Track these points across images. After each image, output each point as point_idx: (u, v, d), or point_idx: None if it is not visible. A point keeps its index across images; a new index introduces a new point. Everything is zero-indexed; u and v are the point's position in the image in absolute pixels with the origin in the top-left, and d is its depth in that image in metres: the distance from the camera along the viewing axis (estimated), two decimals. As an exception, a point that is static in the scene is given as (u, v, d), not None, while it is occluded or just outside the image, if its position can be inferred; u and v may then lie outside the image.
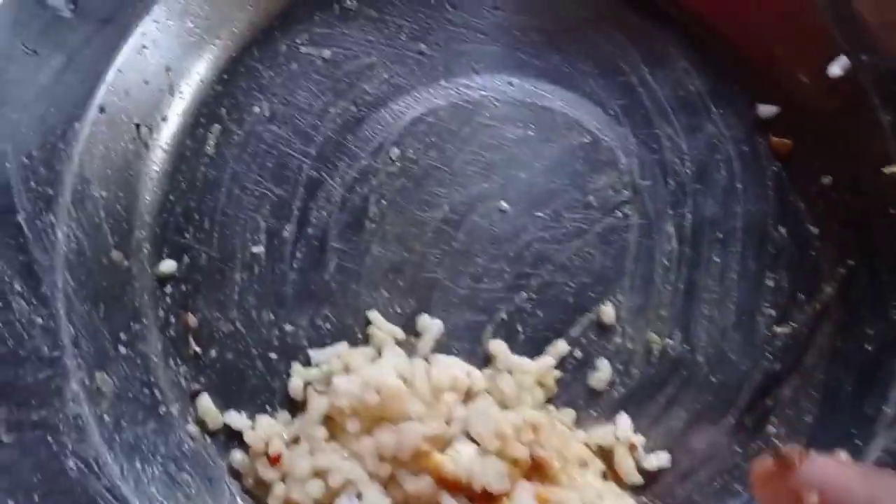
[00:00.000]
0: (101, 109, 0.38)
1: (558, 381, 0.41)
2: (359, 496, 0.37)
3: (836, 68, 0.41)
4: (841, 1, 0.41)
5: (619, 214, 0.42)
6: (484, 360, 0.41)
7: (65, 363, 0.35)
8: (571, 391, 0.41)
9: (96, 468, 0.35)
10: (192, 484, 0.38)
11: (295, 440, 0.38)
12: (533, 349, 0.41)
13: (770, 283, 0.43)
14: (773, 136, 0.44)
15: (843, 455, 0.31)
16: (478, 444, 0.37)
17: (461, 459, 0.36)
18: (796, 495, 0.30)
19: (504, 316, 0.41)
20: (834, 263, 0.42)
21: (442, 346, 0.41)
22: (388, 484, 0.37)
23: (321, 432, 0.38)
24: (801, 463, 0.30)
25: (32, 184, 0.36)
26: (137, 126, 0.39)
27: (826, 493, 0.29)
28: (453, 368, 0.39)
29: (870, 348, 0.41)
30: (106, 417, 0.36)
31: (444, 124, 0.42)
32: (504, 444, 0.36)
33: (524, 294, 0.41)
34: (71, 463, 0.35)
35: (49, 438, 0.35)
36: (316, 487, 0.37)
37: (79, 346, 0.36)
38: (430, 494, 0.36)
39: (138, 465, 0.36)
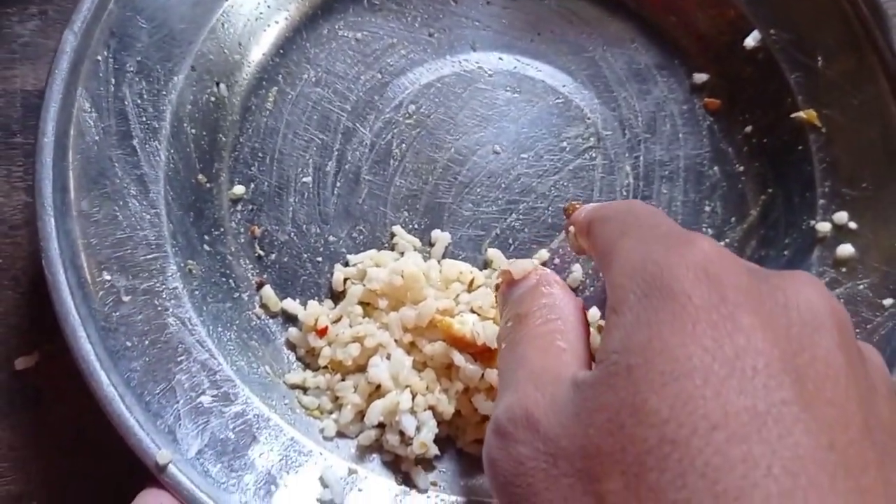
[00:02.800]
0: (193, 68, 0.50)
1: (541, 281, 0.51)
2: (388, 357, 0.47)
3: (751, 41, 0.54)
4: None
5: (587, 157, 0.54)
6: (483, 265, 0.52)
7: (166, 249, 0.46)
8: (552, 289, 0.51)
9: (189, 326, 0.45)
10: (259, 349, 0.48)
11: (337, 320, 0.49)
12: (521, 257, 0.51)
13: (707, 209, 0.54)
14: (706, 97, 0.55)
15: None
16: (479, 315, 0.48)
17: (466, 323, 0.47)
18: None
19: (498, 232, 0.52)
20: (757, 192, 0.54)
21: (450, 254, 0.52)
22: (411, 349, 0.48)
23: (358, 310, 0.48)
24: (575, 209, 0.40)
25: (143, 118, 0.47)
26: (217, 83, 0.51)
27: (584, 214, 0.38)
28: (460, 267, 0.50)
29: (787, 254, 0.52)
30: (196, 292, 0.47)
31: (449, 88, 0.54)
32: (496, 314, 0.47)
33: (514, 216, 0.53)
34: (171, 320, 0.45)
35: (155, 302, 0.45)
36: (355, 349, 0.47)
37: (175, 238, 0.47)
38: (442, 353, 0.47)
39: (220, 329, 0.47)
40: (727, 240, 0.52)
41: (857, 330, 0.48)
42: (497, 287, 0.43)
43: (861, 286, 0.48)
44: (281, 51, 0.53)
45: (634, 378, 0.27)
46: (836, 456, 0.25)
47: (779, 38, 0.52)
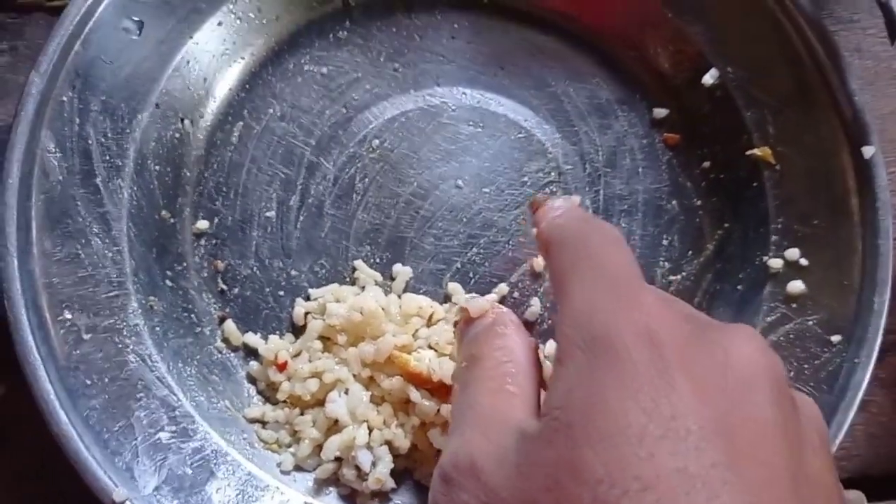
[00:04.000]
0: (157, 106, 0.50)
1: (501, 315, 0.52)
2: (346, 392, 0.49)
3: (709, 78, 0.55)
4: (710, 26, 0.55)
5: (548, 191, 0.55)
6: (443, 299, 0.53)
7: (127, 286, 0.47)
8: (511, 323, 0.52)
9: (149, 363, 0.46)
10: (220, 383, 0.49)
11: (297, 354, 0.50)
12: (482, 291, 0.52)
13: (665, 243, 0.55)
14: (666, 133, 0.56)
15: (575, 198, 0.39)
16: (436, 351, 0.49)
17: (423, 360, 0.48)
18: None
19: (459, 266, 0.53)
20: (714, 227, 0.55)
21: (411, 288, 0.53)
22: (369, 384, 0.49)
23: (318, 345, 0.49)
24: (539, 206, 0.38)
25: (107, 157, 0.48)
26: (182, 119, 0.52)
27: (545, 225, 0.37)
28: (420, 302, 0.51)
29: (741, 288, 0.53)
30: (157, 328, 0.48)
31: (412, 123, 0.55)
32: (456, 351, 0.48)
33: (475, 250, 0.54)
34: (132, 357, 0.46)
35: (115, 339, 0.46)
36: (314, 384, 0.48)
37: (137, 275, 0.48)
38: (400, 388, 0.48)
39: (180, 364, 0.48)
40: (684, 273, 0.53)
41: (806, 366, 0.49)
42: (455, 324, 0.44)
43: (810, 322, 0.50)
44: (246, 86, 0.54)
45: (573, 435, 0.28)
46: None
47: (736, 76, 0.53)
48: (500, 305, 0.41)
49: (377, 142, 0.54)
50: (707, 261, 0.54)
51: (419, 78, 0.55)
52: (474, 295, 0.50)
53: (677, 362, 0.29)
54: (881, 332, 0.47)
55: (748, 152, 0.53)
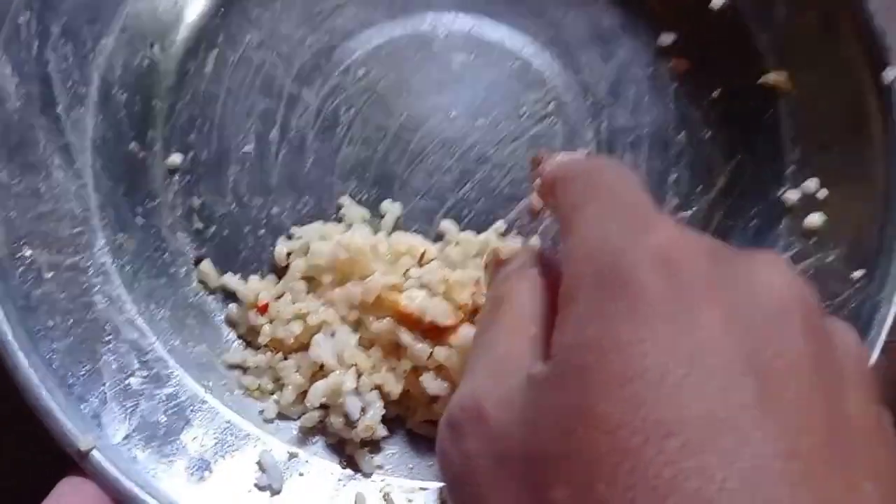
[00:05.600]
0: (123, 30, 0.48)
1: (498, 255, 0.50)
2: (332, 334, 0.46)
3: (717, 1, 0.52)
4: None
5: (546, 124, 0.52)
6: (435, 238, 0.50)
7: (93, 222, 0.44)
8: (510, 262, 0.50)
9: (118, 304, 0.44)
10: (196, 327, 0.47)
11: (279, 296, 0.47)
12: (477, 229, 0.50)
13: (673, 178, 0.52)
14: (673, 60, 0.54)
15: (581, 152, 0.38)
16: (428, 290, 0.46)
17: (413, 299, 0.45)
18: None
19: (452, 203, 0.51)
20: (724, 160, 0.52)
21: (401, 227, 0.50)
22: (357, 326, 0.46)
23: (301, 286, 0.47)
24: (540, 161, 0.37)
25: (69, 84, 0.45)
26: (151, 45, 0.49)
27: (549, 170, 0.36)
28: (410, 240, 0.49)
29: (754, 224, 0.51)
30: (127, 268, 0.45)
31: (401, 51, 0.52)
32: (449, 289, 0.46)
33: (469, 186, 0.51)
34: (98, 298, 0.43)
35: (81, 279, 0.43)
36: (297, 327, 0.46)
37: (105, 211, 0.45)
38: (389, 331, 0.45)
39: (152, 307, 0.45)
40: (693, 209, 0.51)
41: (827, 303, 0.46)
42: (486, 266, 0.43)
43: (830, 258, 0.47)
44: (221, 10, 0.51)
45: (585, 379, 0.26)
46: (799, 465, 0.24)
47: (746, -2, 0.50)
48: (534, 246, 0.38)
49: (363, 71, 0.51)
50: (718, 196, 0.51)
51: (409, 3, 0.53)
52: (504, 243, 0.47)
53: (699, 293, 0.27)
54: (904, 268, 0.45)
55: (762, 78, 0.50)
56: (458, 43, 0.52)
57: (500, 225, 0.50)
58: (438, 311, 0.44)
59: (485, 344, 0.33)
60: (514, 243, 0.39)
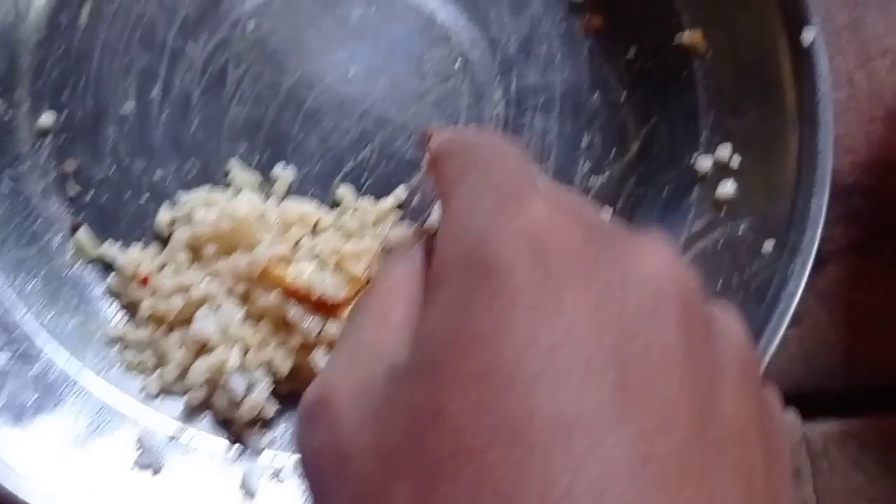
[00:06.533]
0: (-17, -23, 0.44)
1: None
2: (217, 308, 0.44)
3: (629, -47, 0.50)
4: None
5: (452, 83, 0.50)
6: (332, 206, 0.48)
7: (-47, 188, 0.42)
8: (411, 229, 0.48)
9: (-19, 277, 0.42)
10: (73, 299, 0.44)
11: (162, 267, 0.45)
12: (377, 194, 0.48)
13: (585, 142, 0.51)
14: (587, 16, 0.52)
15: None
16: (320, 261, 0.45)
17: (302, 272, 0.44)
18: None
19: (350, 167, 0.49)
20: (639, 124, 0.51)
21: (295, 192, 0.48)
22: (245, 300, 0.45)
23: (183, 257, 0.45)
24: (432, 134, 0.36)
25: (-80, 35, 0.42)
26: (15, -5, 0.45)
27: (436, 144, 0.34)
28: (303, 206, 0.47)
29: (667, 191, 0.50)
30: (-9, 237, 0.43)
31: (296, 3, 0.49)
32: (342, 260, 0.44)
33: (368, 149, 0.49)
34: (-43, 270, 0.41)
35: (-62, 249, 0.41)
36: (179, 300, 0.44)
37: (-35, 175, 0.42)
38: (277, 305, 0.44)
39: (22, 278, 0.43)
40: (606, 174, 0.50)
41: (735, 276, 0.46)
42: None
43: (741, 229, 0.46)
44: (97, -44, 0.47)
45: (439, 375, 0.24)
46: (652, 470, 0.23)
47: (661, -53, 0.48)
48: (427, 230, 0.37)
49: (253, 24, 0.48)
50: (631, 161, 0.50)
51: (305, -50, 0.49)
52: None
53: (566, 280, 0.25)
54: (817, 239, 0.44)
55: (676, 38, 0.49)
56: (358, -5, 0.50)
57: (401, 191, 0.48)
58: (329, 285, 0.43)
59: (351, 329, 0.32)
60: (401, 232, 0.37)
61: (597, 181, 0.50)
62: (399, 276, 0.33)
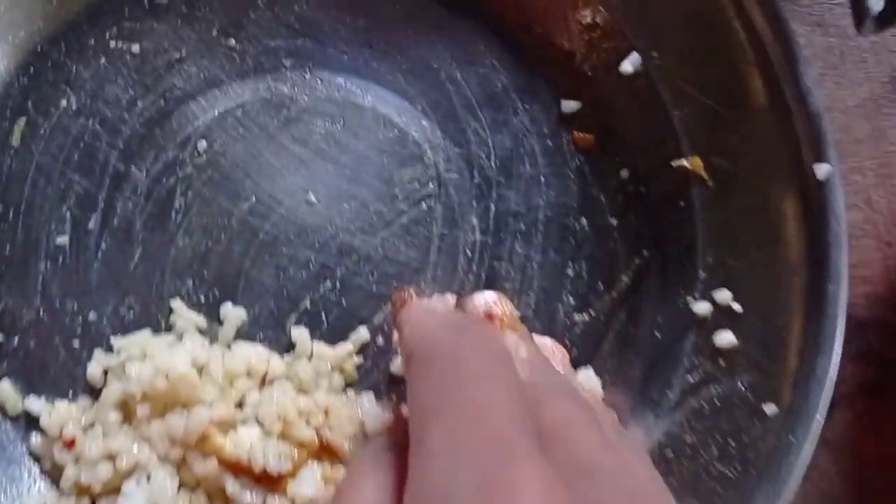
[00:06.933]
0: None
1: (359, 368, 0.44)
2: (148, 478, 0.40)
3: (628, 65, 0.45)
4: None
5: (424, 207, 0.45)
6: (287, 348, 0.43)
7: None
8: (373, 377, 0.44)
9: None
10: (-10, 461, 0.40)
11: (91, 425, 0.41)
12: (336, 336, 0.43)
13: (571, 272, 0.46)
14: (576, 131, 0.47)
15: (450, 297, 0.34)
16: (263, 428, 0.40)
17: (242, 441, 0.39)
18: None
19: (308, 305, 0.44)
20: (630, 254, 0.46)
21: (246, 335, 0.43)
22: (180, 467, 0.40)
23: (114, 417, 0.40)
24: (405, 303, 0.33)
25: None
26: (-64, 113, 0.41)
27: (409, 331, 0.32)
28: (250, 355, 0.42)
29: (658, 335, 0.45)
30: None
31: (252, 118, 0.45)
32: (287, 426, 0.39)
33: (329, 283, 0.44)
34: None
35: None
36: (105, 470, 0.39)
37: None
38: (215, 476, 0.39)
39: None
40: (591, 311, 0.45)
41: (732, 442, 0.41)
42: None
43: (741, 385, 0.41)
44: (31, 69, 0.43)
45: None
46: None
47: (662, 64, 0.44)
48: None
49: (204, 143, 0.44)
50: (620, 297, 0.45)
51: (262, 58, 0.45)
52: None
53: None
54: (825, 405, 0.39)
55: (674, 162, 0.43)
56: (322, 108, 0.45)
57: (362, 332, 0.43)
58: (272, 458, 0.38)
59: None
60: (377, 415, 0.33)
61: (582, 318, 0.45)
62: (366, 492, 0.29)
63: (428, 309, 0.34)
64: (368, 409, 0.35)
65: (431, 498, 0.24)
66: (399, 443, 0.31)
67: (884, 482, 0.46)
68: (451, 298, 0.38)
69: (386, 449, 0.31)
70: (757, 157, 0.43)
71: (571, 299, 0.45)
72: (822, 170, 0.40)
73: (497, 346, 0.30)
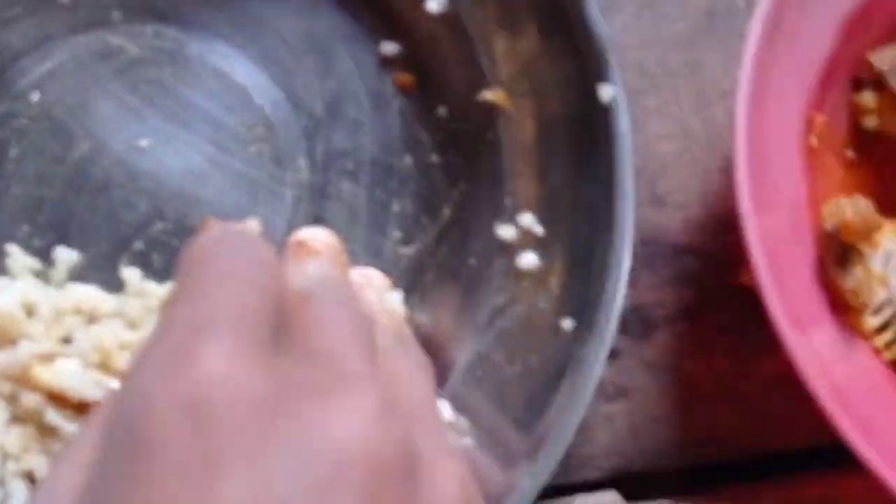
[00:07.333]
0: None
1: (191, 303, 0.46)
2: (-20, 413, 0.42)
3: (434, 4, 0.46)
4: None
5: (254, 150, 0.48)
6: (119, 288, 0.46)
7: None
8: (204, 312, 0.46)
9: None
10: None
11: (-73, 366, 0.43)
12: (168, 275, 0.46)
13: (397, 208, 0.48)
14: (396, 73, 0.49)
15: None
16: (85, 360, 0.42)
17: (61, 373, 0.41)
18: None
19: (142, 246, 0.46)
20: (449, 188, 0.48)
21: (79, 276, 0.46)
22: (11, 400, 0.42)
23: (-53, 355, 0.43)
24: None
25: None
26: None
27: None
28: (80, 294, 0.44)
29: (473, 262, 0.47)
30: None
31: (84, 70, 0.47)
32: (106, 357, 0.42)
33: (160, 224, 0.46)
34: None
35: None
36: (-62, 403, 0.42)
37: None
38: (40, 409, 0.41)
39: None
40: (417, 244, 0.47)
41: (533, 358, 0.43)
42: None
43: (542, 304, 0.43)
44: None
45: None
46: None
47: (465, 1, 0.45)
48: None
49: (37, 96, 0.46)
50: (443, 229, 0.47)
51: (93, 12, 0.47)
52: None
53: (227, 458, 0.22)
54: (616, 318, 0.41)
55: (480, 95, 0.46)
56: (151, 57, 0.47)
57: (192, 269, 0.45)
58: (88, 387, 0.40)
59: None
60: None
61: (408, 251, 0.47)
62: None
63: (219, 226, 0.34)
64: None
65: (129, 376, 0.25)
66: None
67: (705, 400, 0.48)
68: (253, 223, 0.40)
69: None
70: (554, 83, 0.44)
71: (398, 234, 0.47)
72: (606, 91, 0.42)
73: (257, 251, 0.29)
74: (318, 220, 0.47)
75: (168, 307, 0.27)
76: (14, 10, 0.47)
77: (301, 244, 0.38)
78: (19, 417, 0.42)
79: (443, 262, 0.47)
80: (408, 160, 0.48)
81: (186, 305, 0.26)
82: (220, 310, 0.25)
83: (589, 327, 0.42)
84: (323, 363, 0.26)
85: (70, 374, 0.41)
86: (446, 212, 0.48)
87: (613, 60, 0.43)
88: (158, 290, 0.45)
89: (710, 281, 0.49)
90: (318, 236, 0.39)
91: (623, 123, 0.42)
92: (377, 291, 0.42)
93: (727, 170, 0.48)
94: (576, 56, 0.43)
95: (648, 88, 0.49)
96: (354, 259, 0.41)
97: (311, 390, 0.24)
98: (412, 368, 0.32)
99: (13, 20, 0.47)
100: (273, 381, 0.24)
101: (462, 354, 0.45)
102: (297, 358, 0.26)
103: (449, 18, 0.46)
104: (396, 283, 0.45)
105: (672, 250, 0.48)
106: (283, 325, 0.27)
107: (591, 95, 0.43)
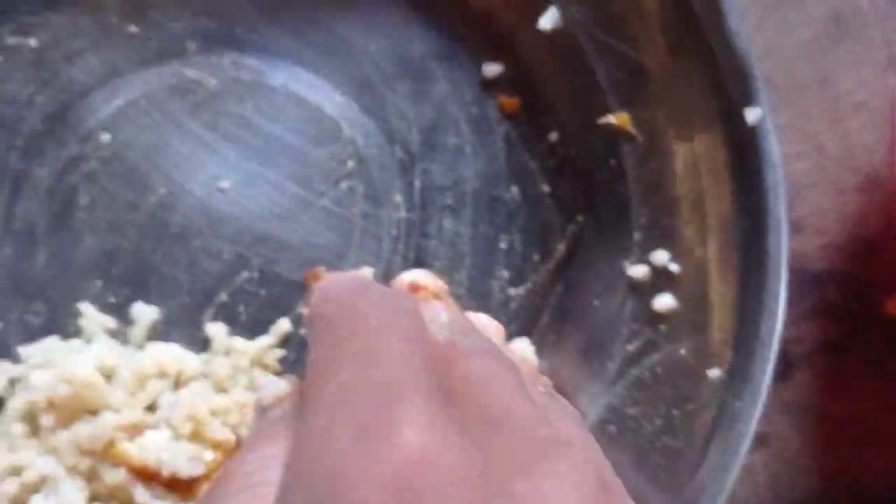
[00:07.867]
0: None
1: (284, 360, 0.41)
2: (56, 492, 0.37)
3: (547, 21, 0.42)
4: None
5: (344, 186, 0.43)
6: (204, 345, 0.41)
7: None
8: (298, 370, 0.41)
9: None
10: None
11: (-1, 440, 0.39)
12: (257, 330, 0.41)
13: (504, 245, 0.43)
14: (501, 96, 0.44)
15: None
16: (174, 431, 0.38)
17: (149, 446, 0.37)
18: None
19: (225, 298, 0.42)
20: (565, 221, 0.43)
21: (160, 334, 0.41)
22: (91, 478, 0.38)
23: (19, 429, 0.38)
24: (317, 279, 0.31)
25: None
26: None
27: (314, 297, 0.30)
28: (162, 355, 0.40)
29: (597, 304, 0.42)
30: None
31: (157, 106, 0.42)
32: (198, 426, 0.37)
33: (245, 273, 0.42)
34: None
35: None
36: (12, 485, 0.37)
37: None
38: (125, 486, 0.37)
39: None
40: (528, 284, 0.42)
41: (675, 412, 0.38)
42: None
43: (682, 351, 0.38)
44: (-81, 72, 0.41)
45: None
46: None
47: (581, 16, 0.41)
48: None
49: (107, 136, 0.42)
50: (557, 267, 0.42)
51: (165, 44, 0.43)
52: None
53: None
54: (771, 366, 0.36)
55: (601, 120, 0.41)
56: (231, 90, 0.43)
57: (283, 323, 0.41)
58: (181, 460, 0.36)
59: None
60: (274, 385, 0.30)
61: (518, 292, 0.42)
62: (263, 460, 0.26)
63: (337, 276, 0.32)
64: (264, 382, 0.32)
65: (310, 453, 0.22)
66: (293, 412, 0.29)
67: (850, 444, 0.43)
68: (368, 271, 0.35)
69: (278, 420, 0.29)
70: (684, 107, 0.40)
71: (507, 273, 0.43)
72: (752, 114, 0.37)
73: (403, 302, 0.28)
74: (418, 262, 0.42)
75: (320, 373, 0.25)
76: (78, 42, 0.42)
77: (419, 287, 0.33)
78: (101, 497, 0.37)
79: (559, 304, 0.42)
80: (515, 191, 0.43)
81: (354, 371, 0.24)
82: (397, 373, 0.23)
83: (742, 377, 0.37)
84: (510, 430, 0.23)
85: (160, 448, 0.36)
86: (560, 248, 0.43)
87: (759, 81, 0.37)
88: (247, 347, 0.40)
89: (854, 312, 0.43)
90: (420, 280, 0.34)
91: (773, 149, 0.37)
92: (497, 340, 0.37)
93: (866, 188, 0.43)
94: (713, 76, 0.38)
95: (777, 103, 0.44)
96: (459, 304, 0.37)
97: (514, 464, 0.22)
98: (579, 428, 0.28)
99: (77, 54, 0.42)
100: (474, 456, 0.21)
101: (590, 408, 0.40)
102: (482, 425, 0.23)
103: (562, 36, 0.42)
104: (506, 329, 0.40)
105: (811, 279, 0.43)
106: (443, 384, 0.24)
107: (733, 119, 0.38)
